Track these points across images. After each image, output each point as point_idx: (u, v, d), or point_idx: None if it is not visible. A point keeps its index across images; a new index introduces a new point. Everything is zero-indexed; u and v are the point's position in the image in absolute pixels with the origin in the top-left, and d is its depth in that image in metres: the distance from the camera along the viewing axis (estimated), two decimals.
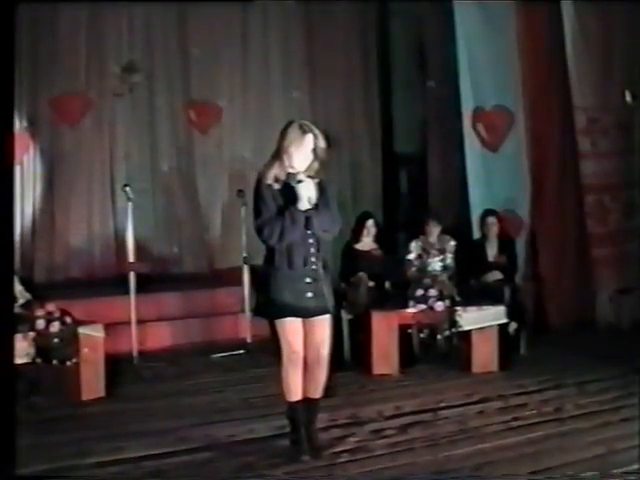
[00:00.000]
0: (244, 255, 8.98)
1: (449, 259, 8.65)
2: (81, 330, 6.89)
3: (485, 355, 7.71)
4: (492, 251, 8.96)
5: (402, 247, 9.49)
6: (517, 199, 9.86)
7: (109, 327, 7.39)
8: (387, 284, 8.63)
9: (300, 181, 5.18)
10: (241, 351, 8.72)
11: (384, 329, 7.67)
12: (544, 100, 9.84)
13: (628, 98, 9.65)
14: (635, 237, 9.96)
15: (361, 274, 8.35)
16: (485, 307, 7.80)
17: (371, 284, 8.31)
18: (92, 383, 6.95)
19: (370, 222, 8.75)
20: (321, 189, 5.30)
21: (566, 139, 9.82)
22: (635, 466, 5.06)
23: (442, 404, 6.60)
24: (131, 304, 8.26)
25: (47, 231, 10.70)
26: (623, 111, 9.78)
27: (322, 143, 5.30)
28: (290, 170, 5.24)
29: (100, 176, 11.15)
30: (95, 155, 11.12)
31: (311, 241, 5.24)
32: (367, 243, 8.74)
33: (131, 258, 8.35)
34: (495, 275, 8.73)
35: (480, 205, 9.67)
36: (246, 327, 8.97)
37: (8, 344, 4.16)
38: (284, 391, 5.42)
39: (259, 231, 5.19)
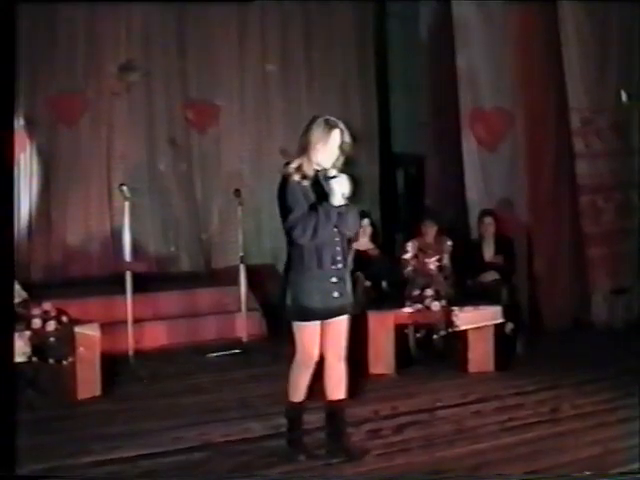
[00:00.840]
0: (241, 254, 8.98)
1: (445, 259, 8.66)
2: (77, 329, 6.90)
3: (481, 355, 7.71)
4: (489, 251, 8.97)
5: (399, 247, 9.50)
6: (514, 199, 9.87)
7: (105, 326, 7.40)
8: (384, 284, 8.64)
9: (334, 176, 5.09)
10: (237, 350, 8.71)
11: (380, 329, 7.67)
12: (541, 101, 9.86)
13: (624, 98, 9.66)
14: (629, 237, 9.98)
15: (357, 274, 8.34)
16: (481, 307, 7.80)
17: (367, 284, 8.31)
18: (88, 382, 6.94)
19: (366, 222, 8.75)
20: None
21: (561, 140, 9.83)
22: (631, 466, 5.07)
23: (438, 404, 6.60)
24: (127, 303, 8.24)
25: (44, 230, 10.69)
26: (617, 112, 9.79)
27: (348, 138, 5.19)
28: (316, 167, 5.13)
29: (97, 175, 11.13)
30: (92, 154, 11.10)
31: (337, 239, 5.17)
32: (363, 243, 8.74)
33: (128, 257, 8.33)
34: (492, 275, 8.73)
35: (477, 205, 9.68)
36: (242, 326, 8.98)
37: (7, 346, 4.15)
38: (289, 390, 5.36)
39: (291, 229, 5.03)
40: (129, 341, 8.19)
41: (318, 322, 5.20)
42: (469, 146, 10.07)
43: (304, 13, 12.17)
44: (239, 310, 9.03)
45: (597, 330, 9.54)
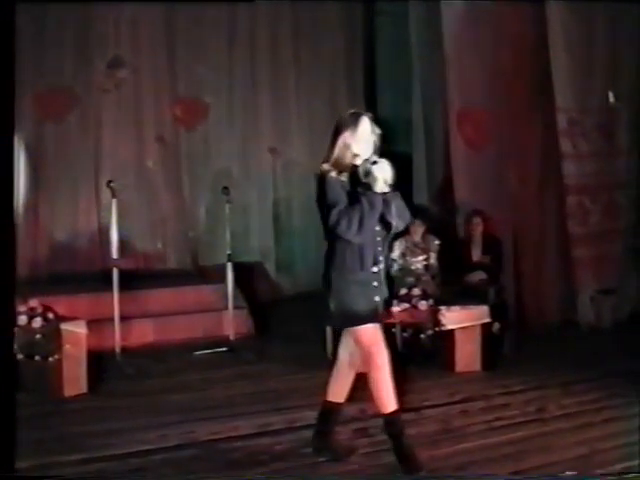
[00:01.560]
0: (228, 252, 8.97)
1: (433, 258, 8.68)
2: (63, 326, 6.88)
3: (468, 355, 7.72)
4: (477, 251, 8.99)
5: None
6: (501, 199, 9.88)
7: (92, 323, 7.36)
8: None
9: (374, 162, 4.89)
10: (224, 348, 8.70)
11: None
12: (528, 101, 9.87)
13: (611, 99, 9.69)
14: (616, 238, 10.02)
15: None
16: (469, 307, 7.81)
17: None
18: (74, 379, 6.93)
19: None
20: None
21: (549, 140, 9.84)
22: (616, 466, 5.09)
23: (425, 403, 6.61)
24: (114, 300, 8.23)
25: (31, 227, 10.65)
26: (604, 113, 9.83)
27: (377, 128, 5.05)
28: (352, 160, 4.96)
29: (85, 172, 11.10)
30: (80, 151, 11.07)
31: (379, 239, 5.00)
32: None
33: (115, 254, 8.32)
34: (479, 275, 8.75)
35: (465, 205, 9.69)
36: (229, 324, 8.96)
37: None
38: (380, 404, 5.09)
39: (336, 225, 4.80)
40: (116, 338, 8.18)
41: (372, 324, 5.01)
42: (457, 146, 10.07)
43: (293, 12, 12.17)
44: (226, 308, 9.01)
45: (584, 330, 9.56)
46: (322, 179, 4.94)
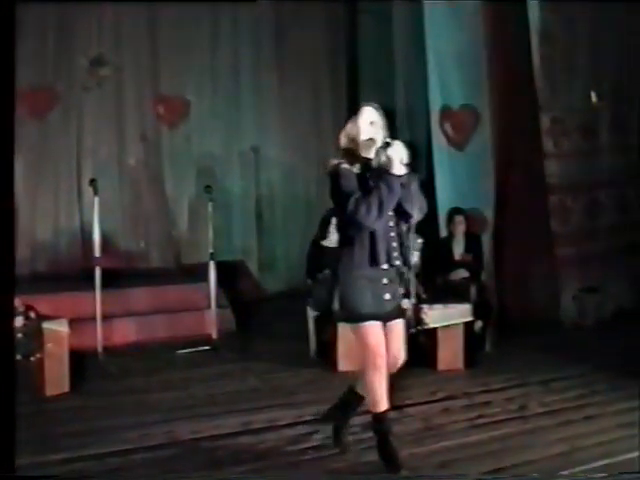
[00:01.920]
0: (210, 251, 8.96)
1: (416, 257, 8.66)
2: (45, 325, 6.85)
3: (450, 353, 7.74)
4: (458, 249, 8.99)
5: None
6: (482, 198, 9.90)
7: (74, 322, 7.33)
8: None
9: (387, 144, 4.80)
10: (207, 347, 8.69)
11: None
12: (510, 100, 9.88)
13: (594, 99, 9.73)
14: (598, 237, 10.05)
15: (328, 271, 8.32)
16: (451, 305, 7.82)
17: None
18: (56, 378, 6.90)
19: (335, 220, 8.71)
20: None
21: (531, 139, 9.86)
22: (597, 463, 5.11)
23: (407, 401, 6.62)
24: (97, 299, 8.21)
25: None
26: (586, 112, 9.86)
27: (383, 118, 4.97)
28: (363, 151, 4.88)
29: (67, 170, 11.07)
30: (62, 149, 11.04)
31: (392, 234, 4.90)
32: (334, 240, 8.70)
33: (97, 253, 8.30)
34: (461, 273, 8.76)
35: (447, 203, 9.70)
36: (212, 323, 8.95)
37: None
38: (370, 402, 5.05)
39: (355, 210, 4.71)
40: (98, 337, 8.17)
41: (379, 322, 4.92)
42: (439, 145, 10.09)
43: (275, 10, 12.16)
44: (209, 307, 9.00)
45: (566, 329, 9.58)
46: (334, 172, 4.87)
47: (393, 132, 5.03)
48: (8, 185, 4.33)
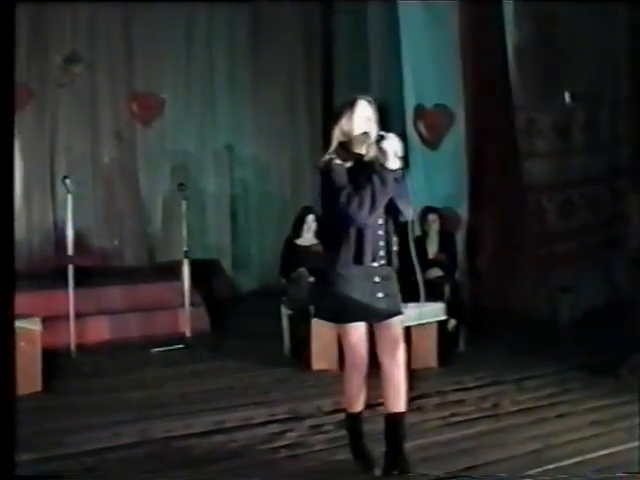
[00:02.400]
0: (185, 249, 8.95)
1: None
2: (17, 324, 6.75)
3: (424, 351, 7.74)
4: (432, 248, 9.01)
5: None
6: (456, 197, 9.93)
7: (47, 321, 7.30)
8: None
9: (382, 137, 4.60)
10: (180, 346, 8.67)
11: (324, 325, 7.61)
12: (485, 99, 9.92)
13: (567, 99, 9.77)
14: (572, 236, 10.10)
15: (301, 270, 8.34)
16: (425, 304, 7.83)
17: (311, 279, 8.29)
18: (29, 377, 6.84)
19: (310, 217, 8.73)
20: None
21: (506, 138, 9.90)
22: (569, 461, 5.14)
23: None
24: (70, 297, 8.18)
25: None
26: (561, 112, 9.90)
27: (376, 112, 4.79)
28: (357, 146, 4.70)
29: (40, 167, 11.04)
30: (35, 146, 10.99)
31: (380, 232, 4.71)
32: (308, 239, 8.73)
33: (70, 251, 8.26)
34: (435, 272, 8.78)
35: (420, 202, 9.71)
36: (185, 321, 8.94)
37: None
38: (346, 401, 5.01)
39: (347, 204, 4.48)
40: (71, 336, 8.13)
41: (363, 323, 4.78)
42: (412, 143, 10.10)
43: (251, 9, 12.15)
44: (183, 305, 8.99)
45: (540, 327, 9.61)
46: (326, 168, 4.66)
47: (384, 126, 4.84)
48: (8, 184, 4.28)
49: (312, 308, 7.55)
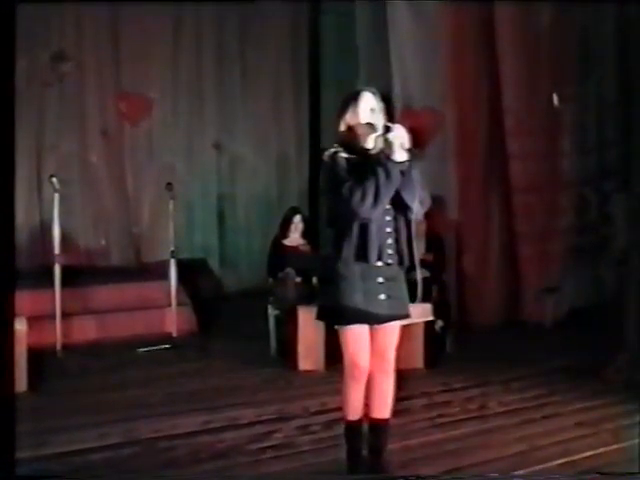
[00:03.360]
0: (171, 249, 8.94)
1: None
2: None
3: (411, 352, 7.70)
4: (419, 248, 8.96)
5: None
6: (444, 197, 9.92)
7: (34, 320, 7.28)
8: (314, 280, 8.62)
9: (388, 128, 4.47)
10: (167, 345, 8.66)
11: (311, 325, 7.61)
12: (472, 101, 9.93)
13: (555, 101, 9.79)
14: (560, 237, 10.11)
15: (288, 270, 8.33)
16: (411, 304, 7.79)
17: (298, 280, 8.28)
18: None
19: (297, 218, 8.73)
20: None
21: (494, 140, 9.91)
22: (554, 462, 5.15)
23: (366, 401, 6.61)
24: (56, 297, 8.16)
25: None
26: (548, 114, 9.91)
27: (381, 102, 4.66)
28: (363, 139, 4.54)
29: (27, 166, 10.96)
30: (22, 145, 10.89)
31: (388, 230, 4.54)
32: (295, 239, 8.72)
33: (57, 250, 8.24)
34: (422, 273, 8.73)
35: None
36: (172, 321, 8.94)
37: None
38: (343, 407, 4.84)
39: (350, 197, 4.34)
40: (57, 335, 8.12)
41: (365, 326, 4.61)
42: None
43: (239, 9, 12.13)
44: (169, 305, 8.98)
45: (527, 328, 9.63)
46: (330, 161, 4.53)
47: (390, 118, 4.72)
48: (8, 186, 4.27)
49: (300, 308, 7.58)
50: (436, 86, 9.94)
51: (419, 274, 4.77)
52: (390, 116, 4.75)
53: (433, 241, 9.00)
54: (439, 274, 8.89)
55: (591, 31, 9.98)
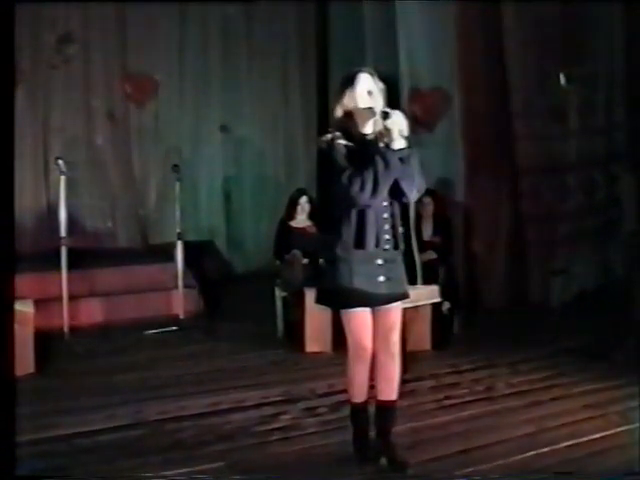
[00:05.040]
0: (178, 231, 8.92)
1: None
2: None
3: (418, 334, 7.72)
4: (427, 230, 8.97)
5: None
6: (452, 179, 9.90)
7: (41, 302, 7.30)
8: (321, 261, 8.59)
9: (386, 114, 4.39)
10: (174, 327, 8.65)
11: (318, 307, 7.60)
12: (481, 81, 9.87)
13: (562, 81, 9.73)
14: (568, 219, 10.08)
15: (295, 251, 8.31)
16: (419, 286, 7.80)
17: (305, 261, 8.26)
18: (21, 359, 6.80)
19: (304, 199, 8.69)
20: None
21: (502, 121, 9.86)
22: (562, 444, 5.14)
23: (372, 382, 6.61)
24: (62, 279, 8.15)
25: None
26: (556, 95, 9.85)
27: (380, 83, 4.58)
28: (361, 124, 4.50)
29: (33, 149, 10.97)
30: (28, 128, 10.92)
31: (385, 216, 4.52)
32: (301, 220, 8.69)
33: (63, 232, 8.23)
34: (429, 254, 8.73)
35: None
36: (179, 303, 8.93)
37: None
38: (348, 389, 4.89)
39: (349, 186, 4.32)
40: (64, 318, 8.11)
41: (367, 309, 4.61)
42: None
43: None
44: (176, 287, 8.97)
45: (534, 310, 9.60)
46: (327, 147, 4.48)
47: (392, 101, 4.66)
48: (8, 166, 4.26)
49: (307, 290, 7.54)
50: (444, 67, 9.88)
51: (417, 257, 4.73)
52: (396, 97, 4.68)
53: (440, 224, 8.98)
54: (446, 256, 8.87)
55: (600, 10, 9.87)
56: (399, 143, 4.40)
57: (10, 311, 4.46)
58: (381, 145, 4.46)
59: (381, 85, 4.63)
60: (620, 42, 10.08)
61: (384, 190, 4.42)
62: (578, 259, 10.13)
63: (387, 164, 4.34)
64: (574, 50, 9.95)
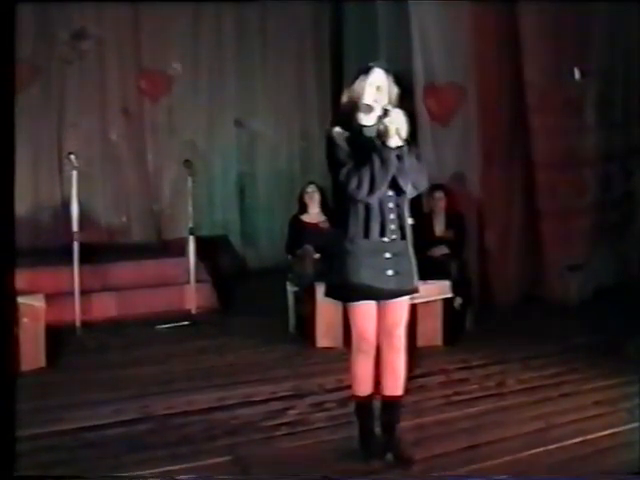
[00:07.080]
0: (190, 226, 8.93)
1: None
2: (20, 300, 6.79)
3: (430, 329, 7.69)
4: (439, 225, 8.94)
5: None
6: (466, 174, 9.86)
7: (52, 297, 7.31)
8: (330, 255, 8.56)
9: (386, 112, 4.43)
10: (186, 322, 8.66)
11: (329, 302, 7.58)
12: (495, 76, 9.81)
13: (577, 75, 9.67)
14: (584, 214, 10.02)
15: (307, 246, 8.29)
16: (431, 281, 7.75)
17: (317, 256, 8.24)
18: (32, 354, 6.86)
19: (311, 187, 8.57)
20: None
21: (517, 115, 9.81)
22: (571, 441, 5.11)
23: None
24: (74, 274, 8.17)
25: None
26: (571, 88, 9.79)
27: (394, 88, 4.58)
28: (364, 116, 4.56)
29: (48, 144, 11.03)
30: (43, 123, 10.98)
31: (391, 205, 4.54)
32: (314, 215, 8.66)
33: (75, 227, 8.25)
34: (442, 250, 8.69)
35: (429, 179, 9.62)
36: (191, 298, 8.94)
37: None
38: (352, 382, 4.87)
39: (346, 183, 4.39)
40: (76, 312, 8.14)
41: (373, 302, 4.61)
42: (422, 120, 10.00)
43: None
44: (188, 282, 8.98)
45: (549, 306, 9.55)
46: (328, 137, 4.55)
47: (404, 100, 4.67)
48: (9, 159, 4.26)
49: (318, 285, 7.52)
50: (459, 61, 9.83)
51: (411, 249, 4.70)
52: (410, 93, 4.69)
53: (453, 218, 8.95)
54: (459, 251, 8.83)
55: (616, 4, 9.80)
56: (395, 141, 4.41)
57: (11, 306, 4.45)
58: (379, 142, 4.47)
59: (392, 79, 4.63)
60: (637, 36, 10.00)
61: (381, 187, 4.44)
62: (595, 255, 10.07)
63: (384, 162, 4.38)
64: (590, 42, 9.88)
